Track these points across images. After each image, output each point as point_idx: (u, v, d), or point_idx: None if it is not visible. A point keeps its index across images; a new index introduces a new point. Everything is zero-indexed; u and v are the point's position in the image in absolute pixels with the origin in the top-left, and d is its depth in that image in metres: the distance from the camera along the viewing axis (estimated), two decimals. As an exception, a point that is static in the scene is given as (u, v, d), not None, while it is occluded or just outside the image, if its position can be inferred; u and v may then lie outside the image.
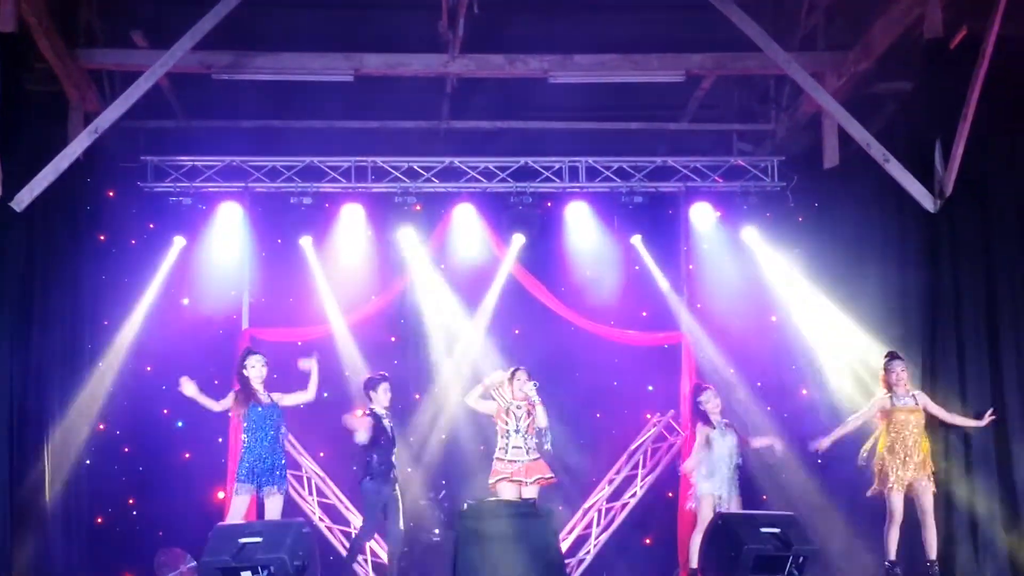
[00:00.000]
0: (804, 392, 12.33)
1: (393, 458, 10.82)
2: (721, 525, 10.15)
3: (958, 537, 10.85)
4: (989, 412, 10.74)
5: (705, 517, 10.98)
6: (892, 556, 10.50)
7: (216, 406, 10.44)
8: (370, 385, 11.06)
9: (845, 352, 12.08)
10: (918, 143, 11.35)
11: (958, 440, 11.01)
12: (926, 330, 11.27)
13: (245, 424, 10.45)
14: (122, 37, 12.26)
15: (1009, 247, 11.19)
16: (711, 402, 11.24)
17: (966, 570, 10.75)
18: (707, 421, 11.17)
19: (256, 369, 10.48)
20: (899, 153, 11.27)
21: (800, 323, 12.96)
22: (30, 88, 11.53)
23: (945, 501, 10.89)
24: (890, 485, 10.47)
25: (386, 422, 10.92)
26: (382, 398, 10.99)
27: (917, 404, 10.61)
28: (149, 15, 12.29)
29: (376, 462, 10.79)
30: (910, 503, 10.55)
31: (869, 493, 10.74)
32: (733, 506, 10.99)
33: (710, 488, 11.04)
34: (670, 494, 13.03)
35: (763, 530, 9.94)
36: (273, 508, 10.32)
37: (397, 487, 10.84)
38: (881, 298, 11.93)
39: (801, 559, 9.77)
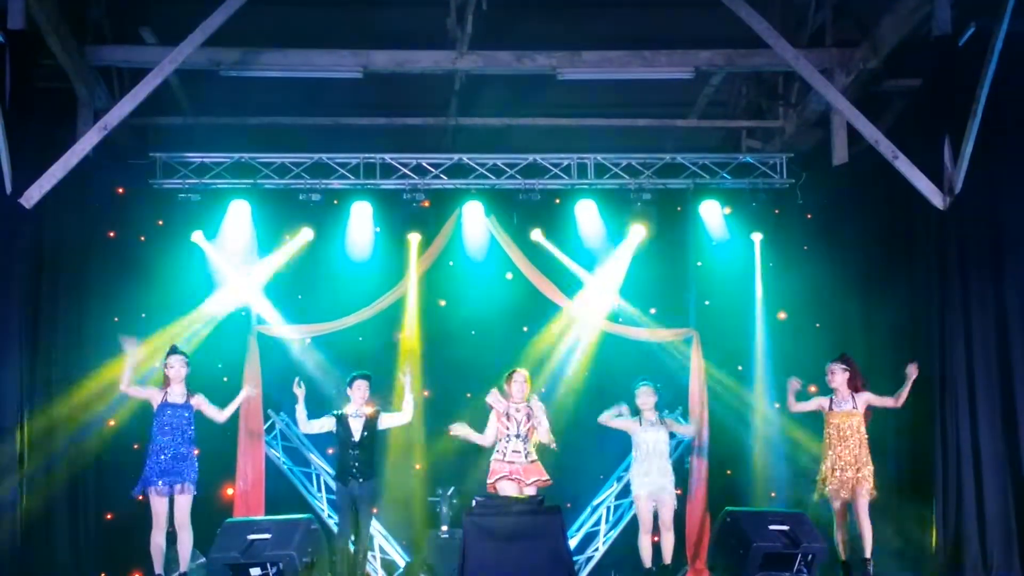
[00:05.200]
0: (813, 389, 12.30)
1: (353, 455, 10.79)
2: (730, 523, 10.16)
3: (967, 536, 10.85)
4: (911, 363, 10.60)
5: (644, 516, 10.94)
6: (843, 556, 10.53)
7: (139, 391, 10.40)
8: (348, 383, 11.12)
9: (852, 349, 12.08)
10: (927, 140, 11.33)
11: (967, 442, 10.99)
12: (935, 327, 11.25)
13: (156, 422, 10.28)
14: (131, 34, 12.28)
15: (1018, 245, 11.17)
16: (640, 398, 11.14)
17: (975, 571, 10.74)
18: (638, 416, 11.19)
19: (175, 369, 10.32)
20: (908, 150, 11.25)
21: (808, 319, 12.97)
22: (39, 85, 11.54)
23: (956, 502, 10.91)
24: (831, 487, 10.45)
25: (352, 421, 10.90)
26: (355, 396, 11.00)
27: (856, 408, 10.58)
28: (158, 12, 12.30)
29: (339, 462, 10.96)
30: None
31: (816, 498, 10.74)
32: (667, 502, 10.92)
33: (644, 486, 10.97)
34: (679, 491, 13.01)
35: (772, 528, 9.96)
36: (182, 504, 10.16)
37: (371, 484, 10.86)
38: (890, 294, 11.93)
39: (810, 557, 9.79)
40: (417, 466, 13.26)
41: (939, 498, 11.01)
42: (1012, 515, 10.86)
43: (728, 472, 13.17)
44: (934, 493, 11.06)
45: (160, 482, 10.08)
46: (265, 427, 12.78)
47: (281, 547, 9.75)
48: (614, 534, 13.04)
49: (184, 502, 10.13)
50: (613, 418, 11.15)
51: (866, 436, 10.54)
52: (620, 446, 12.52)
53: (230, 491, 12.56)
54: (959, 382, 11.07)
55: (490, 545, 9.56)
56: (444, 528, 12.13)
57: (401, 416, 11.09)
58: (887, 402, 10.66)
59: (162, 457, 10.12)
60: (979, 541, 10.86)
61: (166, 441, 10.16)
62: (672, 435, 11.55)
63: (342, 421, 10.93)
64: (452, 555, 10.99)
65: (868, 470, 10.43)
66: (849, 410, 10.57)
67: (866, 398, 10.64)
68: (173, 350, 10.48)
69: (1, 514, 10.85)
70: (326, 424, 11.03)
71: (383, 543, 12.82)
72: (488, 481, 10.66)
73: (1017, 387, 10.96)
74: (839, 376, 10.65)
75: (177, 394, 10.30)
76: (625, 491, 13.14)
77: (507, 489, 10.52)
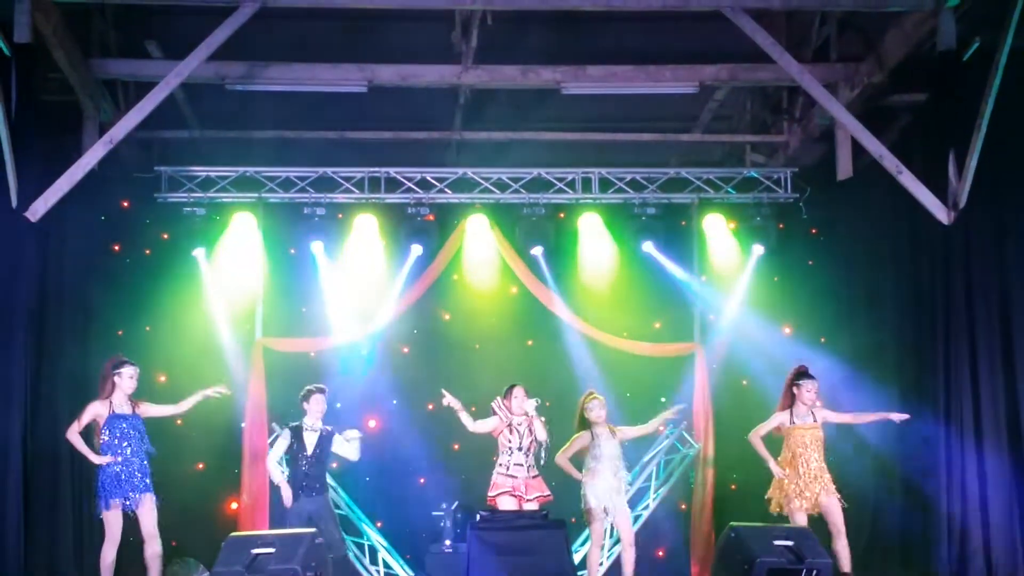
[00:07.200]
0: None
1: (304, 469, 10.52)
2: (734, 537, 10.12)
3: (971, 550, 10.83)
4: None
5: (596, 530, 10.77)
6: None
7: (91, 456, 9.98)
8: (304, 398, 10.76)
9: (857, 364, 12.07)
10: (931, 155, 11.34)
11: (972, 456, 10.98)
12: (940, 343, 11.25)
13: (109, 434, 9.92)
14: (137, 48, 12.31)
15: (1023, 259, 11.17)
16: (593, 411, 10.79)
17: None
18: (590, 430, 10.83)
19: (133, 380, 9.99)
20: (912, 165, 11.26)
21: (813, 334, 12.96)
22: (45, 99, 11.58)
23: (960, 516, 10.89)
24: (794, 505, 10.30)
25: (307, 435, 10.63)
26: (311, 410, 10.69)
27: (815, 421, 10.43)
28: (163, 26, 12.32)
29: (290, 476, 10.64)
30: (816, 521, 10.36)
31: (773, 510, 10.55)
32: (620, 517, 10.74)
33: (597, 501, 10.66)
34: (683, 506, 13.03)
35: (776, 543, 9.90)
36: (146, 513, 9.91)
37: (323, 498, 10.58)
38: (895, 310, 11.92)
39: (815, 572, 9.73)
40: (421, 480, 13.25)
41: (943, 512, 10.99)
42: (1017, 529, 10.85)
43: (733, 487, 13.14)
44: (938, 507, 11.04)
45: (124, 498, 9.81)
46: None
47: (285, 561, 9.68)
48: (618, 549, 12.97)
49: (151, 512, 9.90)
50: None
51: (823, 450, 10.41)
52: (626, 458, 12.54)
53: (234, 505, 12.54)
54: (964, 396, 11.08)
55: (494, 559, 9.54)
56: (448, 542, 12.10)
57: (350, 455, 10.83)
58: (845, 418, 10.58)
59: (123, 469, 9.82)
60: (984, 555, 10.84)
61: (125, 453, 9.87)
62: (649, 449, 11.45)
63: (296, 434, 10.63)
64: (456, 570, 10.97)
65: (829, 479, 10.32)
66: (811, 423, 10.43)
67: (824, 414, 10.50)
68: (126, 360, 10.08)
69: (5, 528, 10.85)
70: (282, 443, 10.70)
71: (387, 557, 12.79)
72: (489, 494, 10.60)
73: (1022, 402, 10.95)
74: (814, 392, 10.51)
75: (123, 404, 9.97)
76: (629, 506, 13.04)
77: (507, 505, 10.45)
